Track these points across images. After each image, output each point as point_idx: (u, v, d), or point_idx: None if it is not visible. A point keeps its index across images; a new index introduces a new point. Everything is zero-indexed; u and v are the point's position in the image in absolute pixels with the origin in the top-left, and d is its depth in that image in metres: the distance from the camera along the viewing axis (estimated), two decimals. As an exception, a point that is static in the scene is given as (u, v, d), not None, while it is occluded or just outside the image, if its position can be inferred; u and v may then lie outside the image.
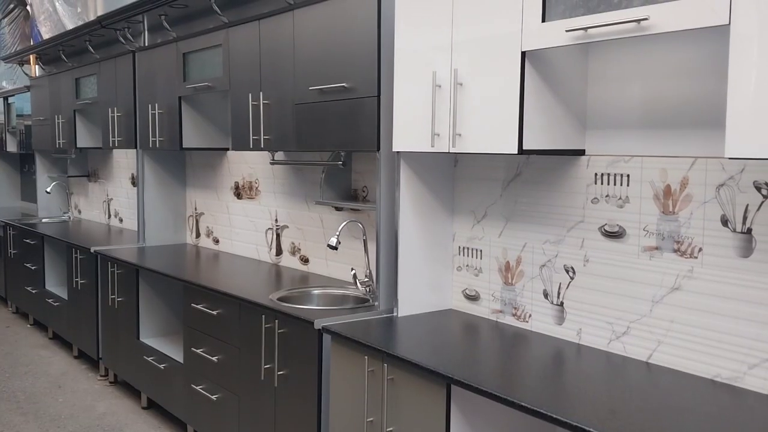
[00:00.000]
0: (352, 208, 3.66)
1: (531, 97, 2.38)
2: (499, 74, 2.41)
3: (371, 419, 2.60)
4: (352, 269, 3.42)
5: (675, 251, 2.31)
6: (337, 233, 3.28)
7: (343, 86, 3.09)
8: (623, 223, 2.46)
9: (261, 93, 3.64)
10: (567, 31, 2.17)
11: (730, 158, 1.80)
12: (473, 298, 3.05)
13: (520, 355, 2.49)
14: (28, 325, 6.64)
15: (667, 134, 2.33)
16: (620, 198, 2.47)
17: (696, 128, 2.25)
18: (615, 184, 2.48)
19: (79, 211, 7.19)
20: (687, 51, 2.26)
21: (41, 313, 6.26)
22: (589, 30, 2.12)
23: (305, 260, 4.09)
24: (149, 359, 4.29)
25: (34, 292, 6.32)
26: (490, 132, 2.46)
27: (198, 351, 3.74)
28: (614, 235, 2.49)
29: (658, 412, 1.95)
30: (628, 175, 2.44)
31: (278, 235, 4.32)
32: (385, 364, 2.51)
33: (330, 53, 3.18)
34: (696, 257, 2.26)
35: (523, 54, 2.35)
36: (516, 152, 2.37)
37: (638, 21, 1.96)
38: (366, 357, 2.59)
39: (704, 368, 2.25)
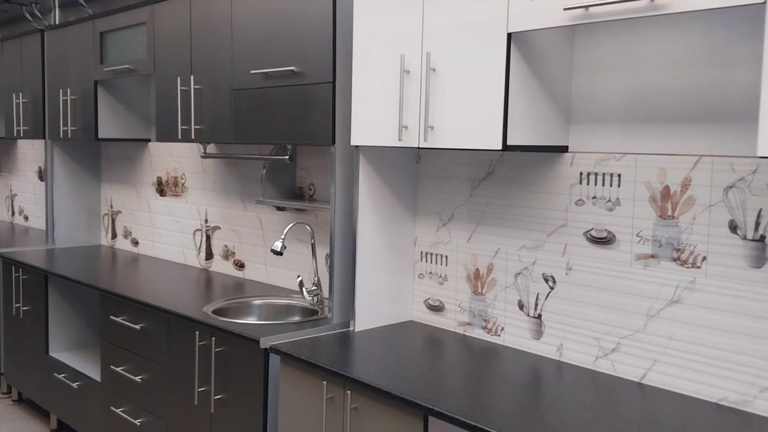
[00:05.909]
0: (297, 209, 3.30)
1: (516, 85, 2.10)
2: (480, 59, 2.12)
3: (329, 452, 2.26)
4: (299, 276, 3.06)
5: (674, 260, 2.08)
6: (283, 236, 2.92)
7: (291, 70, 2.72)
8: (613, 227, 2.21)
9: (192, 77, 3.23)
10: (565, 9, 1.89)
11: (762, 157, 1.57)
12: (437, 308, 2.75)
13: (496, 375, 2.20)
14: None
15: (665, 130, 2.09)
16: (609, 200, 2.22)
17: (699, 123, 2.02)
18: (604, 185, 2.23)
19: (-23, 208, 6.48)
20: (689, 36, 2.02)
21: (-68, 322, 5.57)
22: (590, 9, 1.85)
23: (240, 265, 3.69)
24: (60, 376, 3.79)
25: None
26: (469, 125, 2.16)
27: (118, 369, 3.29)
28: (602, 240, 2.24)
29: (674, 448, 1.71)
30: (619, 175, 2.19)
31: (208, 237, 3.90)
32: (348, 391, 2.18)
33: (275, 32, 2.81)
34: (699, 267, 2.03)
35: (509, 36, 2.06)
36: (500, 148, 2.08)
37: (653, -2, 1.71)
38: (324, 382, 2.25)
39: (708, 390, 2.02)
